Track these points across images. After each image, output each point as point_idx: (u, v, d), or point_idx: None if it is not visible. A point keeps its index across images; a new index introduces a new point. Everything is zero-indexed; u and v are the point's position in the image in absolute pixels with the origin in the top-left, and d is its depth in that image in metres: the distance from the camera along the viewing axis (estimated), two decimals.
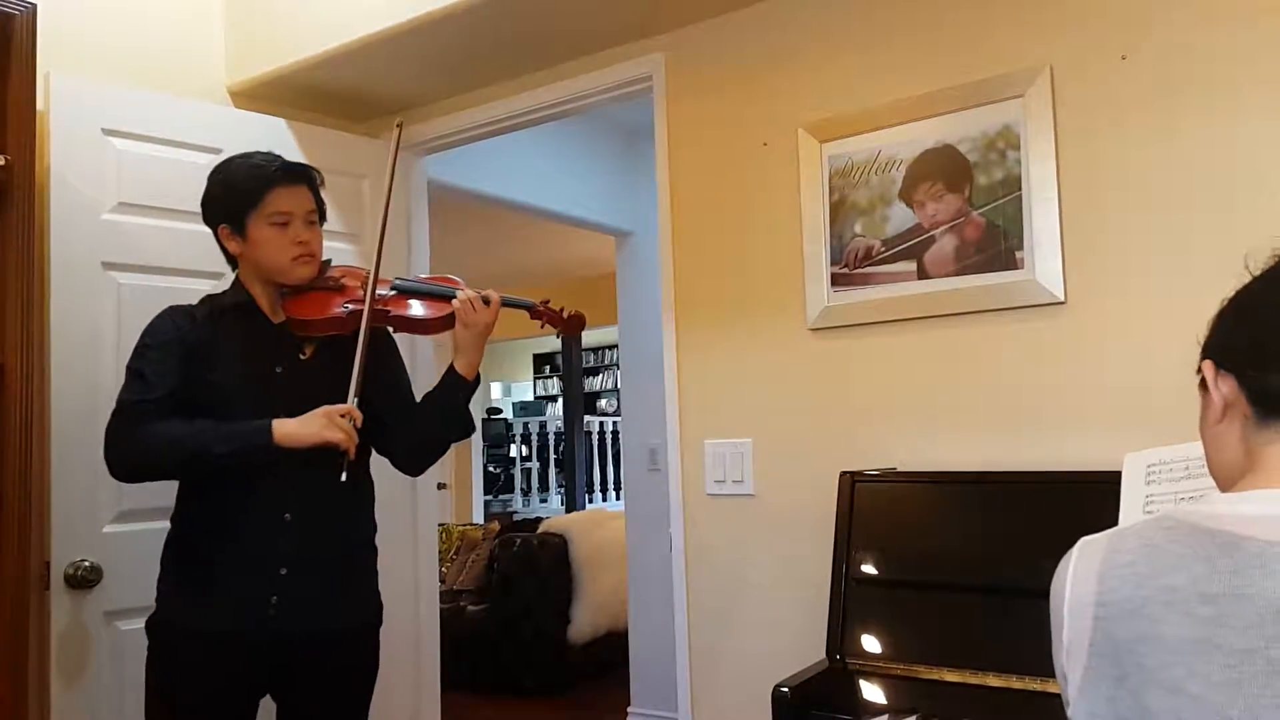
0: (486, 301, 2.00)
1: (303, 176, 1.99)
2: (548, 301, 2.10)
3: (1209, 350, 0.97)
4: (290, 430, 1.83)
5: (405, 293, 2.07)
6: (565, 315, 2.10)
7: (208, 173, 2.01)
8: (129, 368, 1.92)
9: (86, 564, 2.32)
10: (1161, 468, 1.57)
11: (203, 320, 1.96)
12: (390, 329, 2.11)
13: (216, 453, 1.82)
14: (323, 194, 2.04)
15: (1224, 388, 0.94)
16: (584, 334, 2.20)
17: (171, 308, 1.99)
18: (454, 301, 2.00)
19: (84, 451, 2.35)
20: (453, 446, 2.30)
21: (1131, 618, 0.85)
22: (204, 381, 1.90)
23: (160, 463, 1.87)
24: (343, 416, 1.85)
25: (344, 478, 1.84)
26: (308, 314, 1.98)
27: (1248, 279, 0.94)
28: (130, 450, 1.86)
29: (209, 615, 1.87)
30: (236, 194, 1.94)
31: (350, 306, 1.99)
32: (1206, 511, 0.88)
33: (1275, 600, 0.80)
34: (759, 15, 2.52)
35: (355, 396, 1.90)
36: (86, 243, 2.42)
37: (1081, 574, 0.90)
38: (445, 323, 2.04)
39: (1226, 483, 0.95)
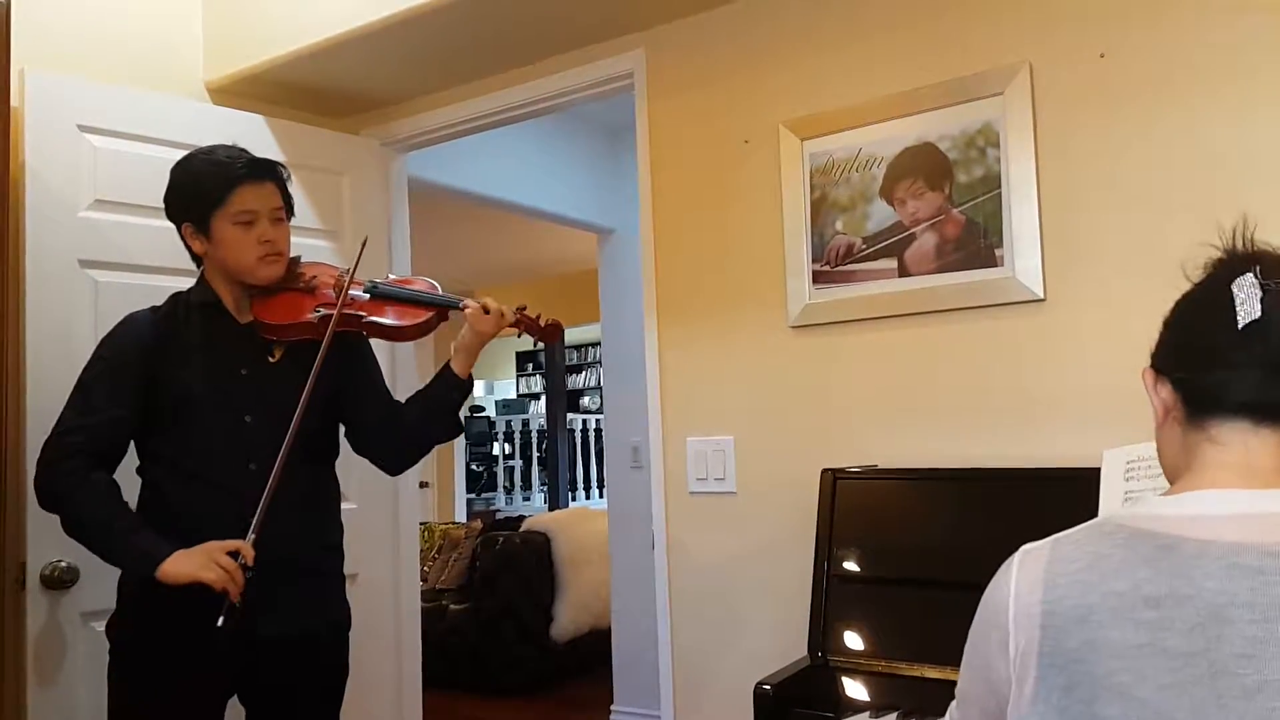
0: (487, 311, 1.97)
1: (268, 172, 1.94)
2: (524, 308, 2.05)
3: (1152, 358, 1.00)
4: (172, 568, 1.73)
5: (379, 297, 2.01)
6: (543, 323, 2.06)
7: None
8: (80, 379, 1.88)
9: (63, 564, 2.30)
10: (1140, 464, 1.58)
11: (165, 322, 1.93)
12: (364, 334, 2.05)
13: (100, 553, 1.83)
14: (290, 188, 1.99)
15: (1162, 393, 0.97)
16: (566, 331, 2.18)
17: (132, 315, 1.95)
18: (470, 303, 1.97)
19: None
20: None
21: (1079, 625, 0.85)
22: (167, 382, 1.87)
23: (61, 519, 1.84)
24: (231, 554, 1.74)
25: (220, 623, 1.70)
26: (277, 318, 1.94)
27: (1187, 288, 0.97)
28: (46, 490, 1.84)
29: (171, 618, 1.82)
30: (199, 192, 1.90)
31: (322, 311, 1.94)
32: (1145, 514, 0.89)
33: (1214, 601, 0.80)
34: (740, 12, 2.52)
35: (300, 414, 1.84)
36: (62, 241, 2.39)
37: (1025, 584, 0.90)
38: (420, 329, 2.00)
39: (1173, 483, 0.96)
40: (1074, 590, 0.86)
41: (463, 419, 2.10)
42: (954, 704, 1.03)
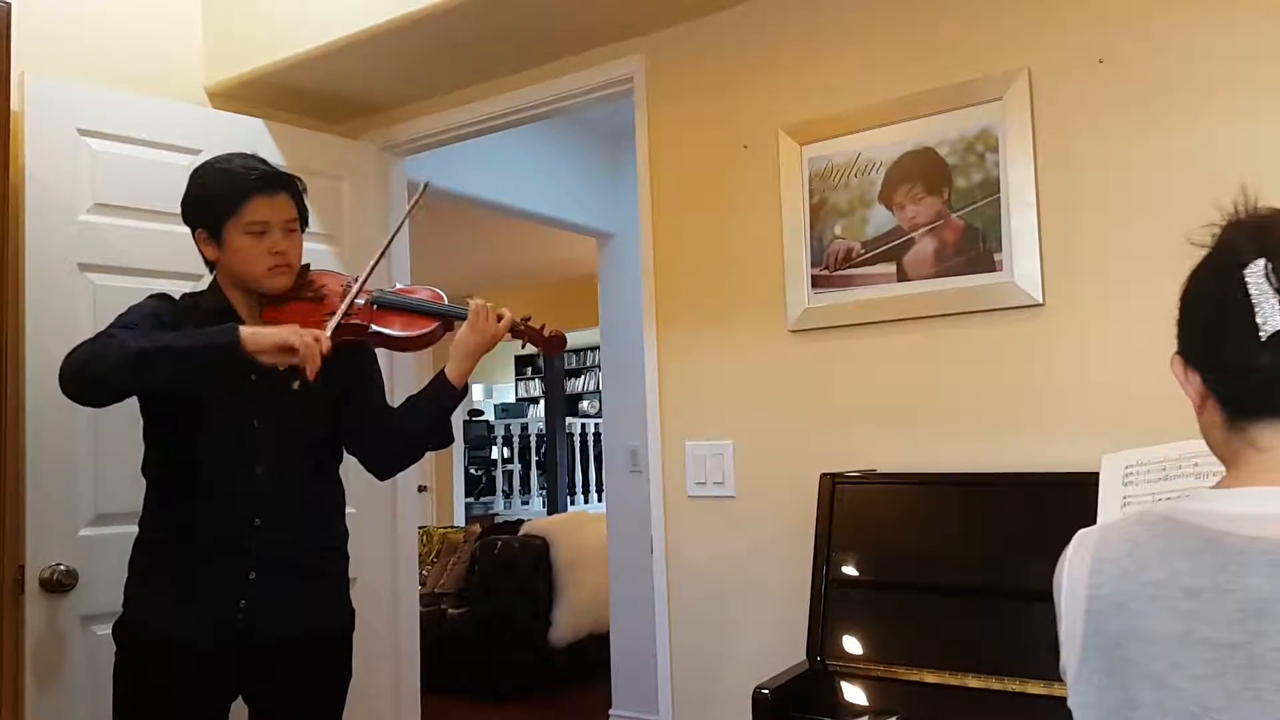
0: (499, 317, 1.97)
1: (283, 184, 1.94)
2: (528, 319, 2.05)
3: (1178, 341, 0.98)
4: (254, 332, 1.73)
5: (385, 307, 2.01)
6: (546, 334, 2.06)
7: (185, 173, 1.98)
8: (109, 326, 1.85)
9: (62, 568, 2.30)
10: (1139, 469, 1.59)
11: (184, 316, 1.93)
12: (369, 344, 2.05)
13: (176, 348, 1.73)
14: (305, 200, 2.00)
15: (1194, 382, 0.95)
16: (566, 335, 2.17)
17: (154, 295, 1.95)
18: (473, 304, 1.96)
19: (59, 455, 2.34)
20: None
21: (1118, 612, 0.86)
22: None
23: (110, 364, 1.71)
24: (315, 341, 1.76)
25: (295, 386, 1.82)
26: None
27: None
28: (83, 355, 1.74)
29: (178, 620, 1.84)
30: (214, 201, 1.90)
31: (330, 321, 1.93)
32: (1190, 508, 0.89)
33: (1257, 596, 0.81)
34: (739, 17, 2.52)
35: (331, 328, 1.85)
36: (62, 244, 2.39)
37: (1075, 568, 0.92)
38: (425, 340, 2.00)
39: (1226, 469, 0.95)
40: (1114, 577, 0.88)
41: (461, 424, 2.10)
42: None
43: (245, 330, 1.74)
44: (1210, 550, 0.84)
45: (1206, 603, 0.82)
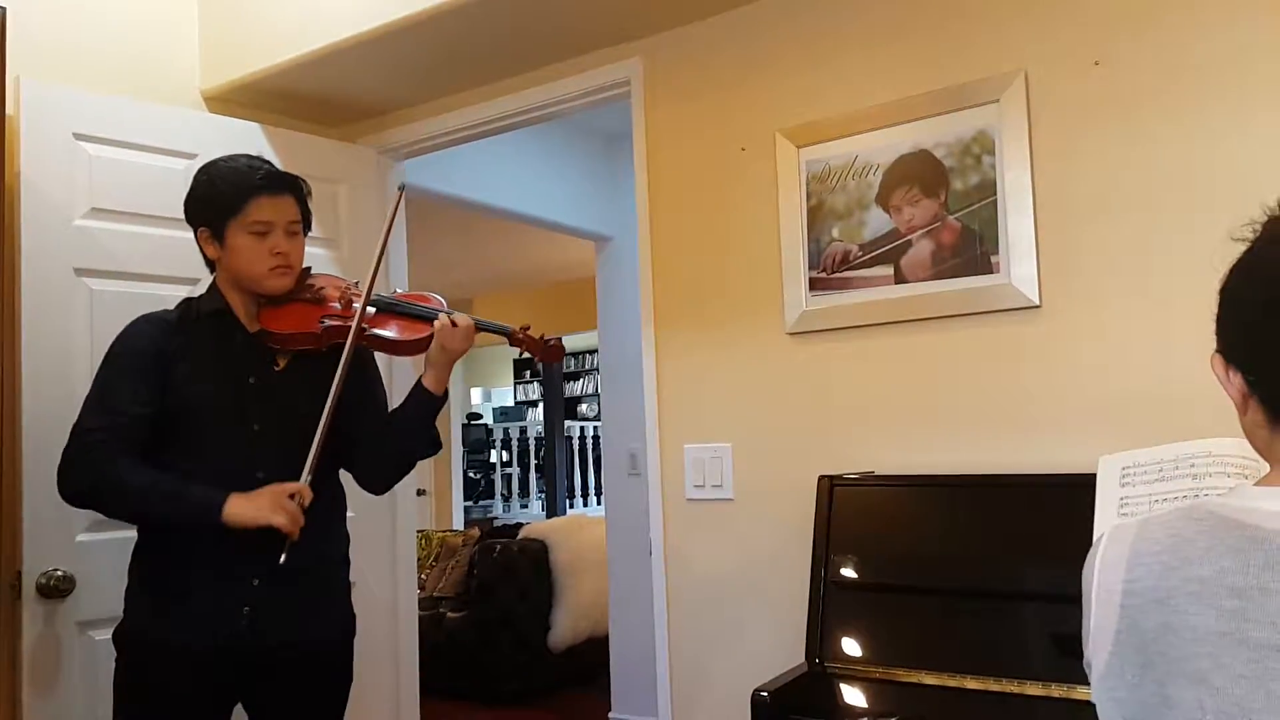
0: (454, 325, 1.95)
1: (287, 185, 1.94)
2: (528, 328, 2.05)
3: (1217, 338, 0.95)
4: (236, 510, 1.78)
5: (383, 310, 2.01)
6: (545, 343, 2.06)
7: (182, 178, 1.98)
8: (96, 381, 1.88)
9: (59, 573, 2.29)
10: (1136, 470, 1.58)
11: (177, 326, 1.93)
12: (366, 346, 2.05)
13: (156, 515, 1.84)
14: (309, 203, 2.00)
15: (1235, 381, 0.93)
16: (564, 338, 2.17)
17: (145, 316, 1.96)
18: (435, 323, 1.96)
19: (56, 460, 2.33)
20: None
21: (1157, 607, 0.85)
22: (177, 390, 1.87)
23: (106, 507, 1.89)
24: (291, 498, 1.80)
25: (283, 560, 1.79)
26: (282, 328, 1.95)
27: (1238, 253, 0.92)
28: (81, 485, 1.84)
29: (180, 627, 1.84)
30: (218, 199, 1.90)
31: (327, 321, 1.94)
32: (1237, 505, 0.88)
33: None
34: (736, 20, 2.52)
35: (326, 422, 1.86)
36: (58, 249, 2.39)
37: (1110, 561, 0.90)
38: (420, 345, 1.99)
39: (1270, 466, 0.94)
40: (1154, 572, 0.86)
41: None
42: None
43: (230, 507, 1.78)
44: (1256, 548, 0.83)
45: (1252, 601, 0.81)
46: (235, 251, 1.91)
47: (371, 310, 2.00)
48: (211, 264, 1.99)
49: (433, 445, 2.07)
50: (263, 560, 1.86)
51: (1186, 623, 0.83)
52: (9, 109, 2.26)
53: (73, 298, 2.40)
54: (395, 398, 2.13)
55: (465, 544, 5.85)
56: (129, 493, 1.81)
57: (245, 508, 1.78)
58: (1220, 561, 0.84)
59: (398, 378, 2.99)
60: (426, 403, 1.99)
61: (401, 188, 2.28)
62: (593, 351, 11.35)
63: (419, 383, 2.00)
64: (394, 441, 2.05)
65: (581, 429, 10.54)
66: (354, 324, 1.92)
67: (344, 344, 1.93)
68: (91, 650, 2.31)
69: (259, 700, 1.94)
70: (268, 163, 1.96)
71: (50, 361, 2.34)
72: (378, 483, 2.11)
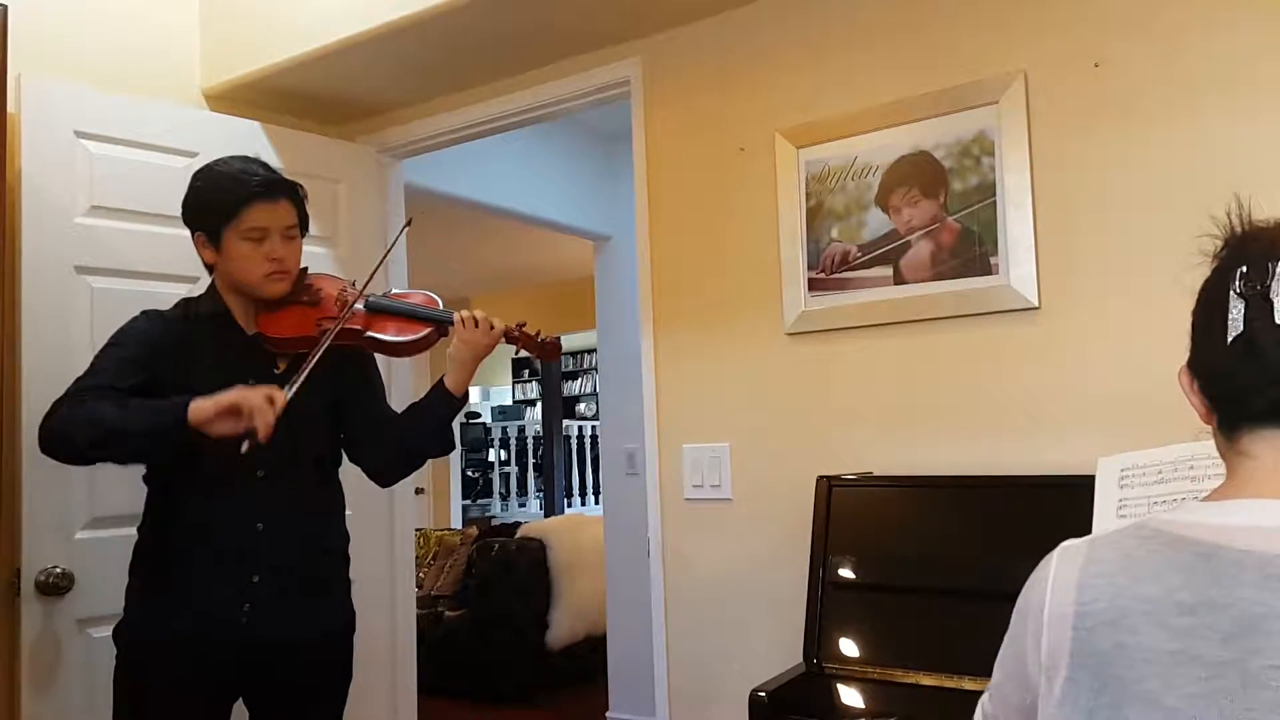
0: (477, 324, 1.96)
1: (283, 190, 1.93)
2: (524, 325, 2.05)
3: (1189, 355, 0.98)
4: (198, 403, 1.69)
5: (380, 311, 2.01)
6: (542, 341, 2.05)
7: (182, 176, 1.98)
8: (92, 362, 1.88)
9: (58, 571, 2.29)
10: (1135, 471, 1.59)
11: (177, 326, 1.94)
12: (364, 349, 2.05)
13: (130, 430, 1.74)
14: (306, 206, 1.99)
15: (1196, 391, 0.95)
16: (563, 337, 2.17)
17: (146, 311, 1.96)
18: (457, 315, 1.96)
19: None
20: None
21: (1111, 629, 0.84)
22: (176, 390, 1.87)
23: (76, 436, 1.75)
24: (267, 401, 1.71)
25: (244, 449, 1.69)
26: (280, 331, 1.95)
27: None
28: (54, 423, 1.77)
29: (180, 623, 1.85)
30: (213, 206, 1.90)
31: (324, 325, 1.94)
32: (1184, 520, 0.87)
33: (1250, 612, 0.79)
34: (736, 21, 2.52)
35: (291, 390, 1.79)
36: (58, 246, 2.39)
37: (1061, 583, 0.89)
38: (419, 345, 2.00)
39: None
40: (1107, 592, 0.85)
41: (458, 426, 2.10)
42: (985, 695, 1.02)
43: (193, 405, 1.70)
44: (1204, 564, 0.82)
45: (1201, 618, 0.80)
46: (231, 257, 1.91)
47: (367, 312, 2.00)
48: (209, 267, 1.99)
49: (446, 445, 2.08)
50: (263, 558, 1.87)
51: (1139, 643, 0.82)
52: (10, 107, 2.26)
53: (73, 295, 2.40)
54: (396, 398, 2.13)
55: (463, 543, 5.85)
56: (103, 416, 1.74)
57: (207, 399, 1.71)
58: (1169, 579, 0.83)
59: (398, 378, 3.00)
60: (445, 403, 1.99)
61: (408, 222, 2.29)
62: (591, 351, 11.36)
63: (440, 382, 2.00)
64: (408, 437, 2.05)
65: (580, 428, 10.53)
66: (338, 325, 1.92)
67: (342, 346, 1.94)
68: (91, 648, 2.32)
69: (259, 697, 1.95)
70: (265, 166, 1.95)
71: (50, 359, 2.34)
72: (387, 476, 2.13)
